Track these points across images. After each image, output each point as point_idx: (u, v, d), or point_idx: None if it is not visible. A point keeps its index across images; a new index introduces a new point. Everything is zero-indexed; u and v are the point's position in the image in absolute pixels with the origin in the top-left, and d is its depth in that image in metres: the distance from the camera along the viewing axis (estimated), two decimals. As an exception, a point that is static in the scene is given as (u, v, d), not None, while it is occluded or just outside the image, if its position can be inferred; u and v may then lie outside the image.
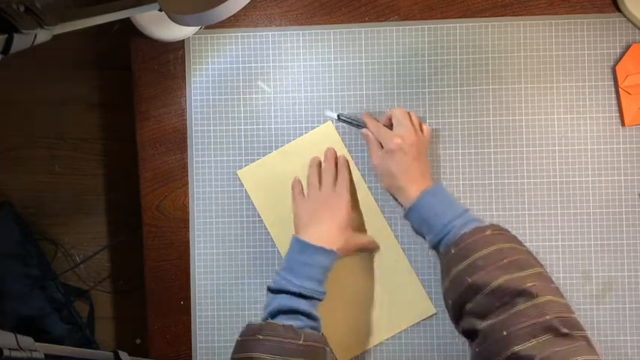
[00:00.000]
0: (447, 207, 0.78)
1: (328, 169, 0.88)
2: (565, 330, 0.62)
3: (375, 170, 0.87)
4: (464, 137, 0.89)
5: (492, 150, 0.89)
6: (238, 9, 0.70)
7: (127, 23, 0.88)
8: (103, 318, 1.38)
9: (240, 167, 0.91)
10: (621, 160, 0.88)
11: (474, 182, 0.89)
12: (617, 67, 0.87)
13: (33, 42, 0.58)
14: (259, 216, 0.90)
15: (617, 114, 0.88)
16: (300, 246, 0.81)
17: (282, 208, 0.89)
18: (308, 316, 0.78)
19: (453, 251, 0.73)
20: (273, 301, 0.79)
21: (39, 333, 1.27)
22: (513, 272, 0.68)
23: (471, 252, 0.71)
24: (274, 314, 0.78)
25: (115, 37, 1.25)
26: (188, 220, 0.91)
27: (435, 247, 0.79)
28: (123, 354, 0.68)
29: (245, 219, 0.91)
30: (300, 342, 0.75)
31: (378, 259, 0.89)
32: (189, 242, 0.91)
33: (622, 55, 0.88)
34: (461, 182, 0.89)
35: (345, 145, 0.90)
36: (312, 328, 0.78)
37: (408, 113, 0.85)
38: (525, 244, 0.87)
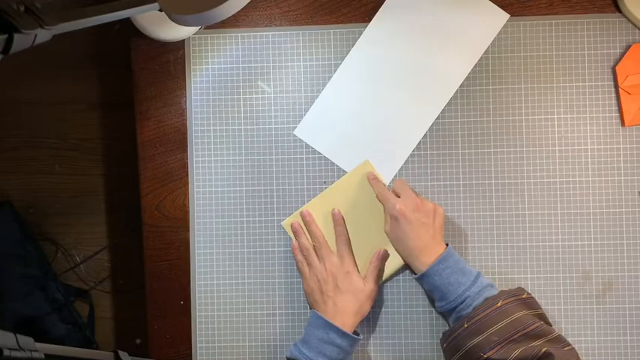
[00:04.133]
0: (459, 275, 0.79)
1: (321, 242, 0.87)
2: None
3: (388, 236, 0.86)
4: (464, 137, 0.89)
5: (492, 150, 0.89)
6: (238, 9, 0.70)
7: (127, 23, 0.88)
8: (103, 318, 1.38)
9: (240, 167, 0.91)
10: (621, 160, 0.88)
11: (474, 182, 0.89)
12: (617, 67, 0.87)
13: (33, 42, 0.58)
14: (259, 216, 0.91)
15: (617, 114, 0.88)
16: (317, 321, 0.81)
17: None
18: None
19: (466, 325, 0.76)
20: None
21: (39, 333, 1.28)
22: (529, 343, 0.72)
23: (485, 327, 0.74)
24: None
25: (115, 37, 1.25)
26: (188, 220, 0.91)
27: (445, 313, 0.81)
28: (123, 354, 0.68)
29: (245, 219, 0.91)
30: None
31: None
32: (189, 242, 0.91)
33: (622, 55, 0.88)
34: (461, 182, 0.89)
35: (385, 180, 0.89)
36: None
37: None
38: (525, 243, 0.88)
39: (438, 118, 0.89)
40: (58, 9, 0.61)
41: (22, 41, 0.56)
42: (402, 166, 0.89)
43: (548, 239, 0.88)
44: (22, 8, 0.57)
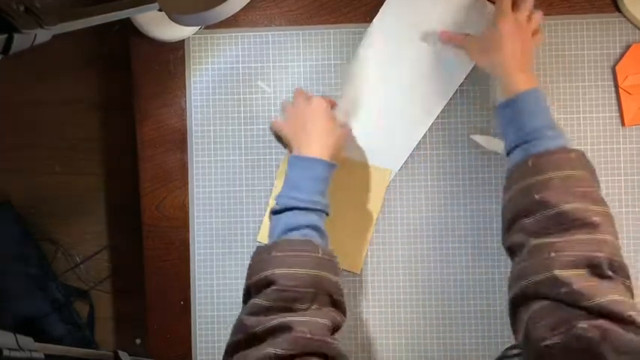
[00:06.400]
0: (545, 112, 0.73)
1: (298, 93, 0.85)
2: (609, 272, 0.61)
3: (481, 38, 0.81)
4: (464, 137, 0.89)
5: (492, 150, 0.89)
6: (238, 9, 0.70)
7: (127, 23, 0.88)
8: (103, 318, 1.38)
9: (240, 167, 0.91)
10: (621, 160, 0.88)
11: (474, 182, 0.89)
12: (617, 67, 0.87)
13: (33, 42, 0.58)
14: (259, 216, 0.91)
15: (617, 114, 0.88)
16: (300, 162, 0.78)
17: None
18: (318, 230, 0.74)
19: (530, 163, 0.69)
20: (279, 221, 0.74)
21: (39, 333, 1.28)
22: (584, 203, 0.66)
23: (550, 169, 0.68)
24: (283, 235, 0.74)
25: (115, 37, 1.25)
26: (188, 220, 0.91)
27: (513, 149, 0.74)
28: (123, 354, 0.68)
29: (245, 219, 0.91)
30: (319, 254, 0.70)
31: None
32: (189, 242, 0.91)
33: (622, 55, 0.88)
34: (461, 182, 0.89)
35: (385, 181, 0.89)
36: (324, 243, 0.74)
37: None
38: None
39: (438, 118, 0.89)
40: (58, 9, 0.61)
41: (22, 41, 0.56)
42: (402, 166, 0.89)
43: (548, 239, 0.88)
44: (22, 8, 0.57)
